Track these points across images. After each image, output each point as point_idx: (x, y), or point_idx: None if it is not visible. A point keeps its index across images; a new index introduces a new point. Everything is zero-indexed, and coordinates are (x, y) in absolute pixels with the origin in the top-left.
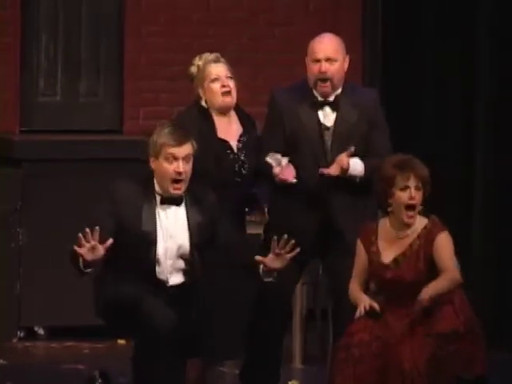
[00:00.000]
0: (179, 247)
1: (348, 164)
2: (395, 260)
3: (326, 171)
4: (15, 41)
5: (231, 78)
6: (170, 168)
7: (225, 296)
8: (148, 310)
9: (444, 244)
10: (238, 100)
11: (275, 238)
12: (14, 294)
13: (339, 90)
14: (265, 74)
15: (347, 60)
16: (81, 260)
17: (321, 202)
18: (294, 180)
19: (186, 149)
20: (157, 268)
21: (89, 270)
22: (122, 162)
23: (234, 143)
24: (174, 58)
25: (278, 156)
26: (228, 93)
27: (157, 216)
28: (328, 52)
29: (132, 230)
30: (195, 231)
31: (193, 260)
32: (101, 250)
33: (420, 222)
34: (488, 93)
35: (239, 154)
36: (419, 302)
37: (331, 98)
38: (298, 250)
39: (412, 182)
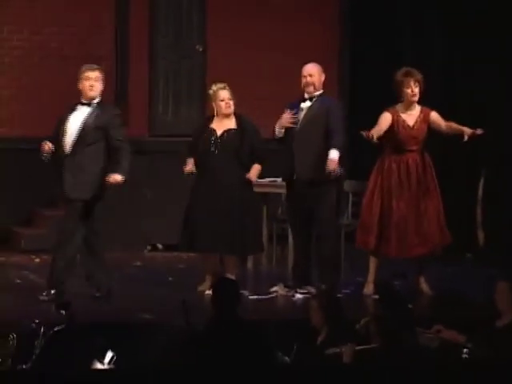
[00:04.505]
0: (74, 129)
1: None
2: (414, 125)
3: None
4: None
5: (231, 99)
6: (87, 83)
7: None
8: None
9: (438, 116)
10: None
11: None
12: (144, 226)
13: (318, 93)
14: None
15: (323, 76)
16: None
17: (289, 152)
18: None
19: (95, 73)
20: (62, 142)
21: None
22: None
23: (219, 131)
24: None
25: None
26: (229, 107)
27: (75, 112)
28: (308, 71)
29: (59, 129)
30: (88, 122)
31: (85, 137)
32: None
33: (417, 107)
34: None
35: (219, 138)
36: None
37: (310, 96)
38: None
39: (413, 83)
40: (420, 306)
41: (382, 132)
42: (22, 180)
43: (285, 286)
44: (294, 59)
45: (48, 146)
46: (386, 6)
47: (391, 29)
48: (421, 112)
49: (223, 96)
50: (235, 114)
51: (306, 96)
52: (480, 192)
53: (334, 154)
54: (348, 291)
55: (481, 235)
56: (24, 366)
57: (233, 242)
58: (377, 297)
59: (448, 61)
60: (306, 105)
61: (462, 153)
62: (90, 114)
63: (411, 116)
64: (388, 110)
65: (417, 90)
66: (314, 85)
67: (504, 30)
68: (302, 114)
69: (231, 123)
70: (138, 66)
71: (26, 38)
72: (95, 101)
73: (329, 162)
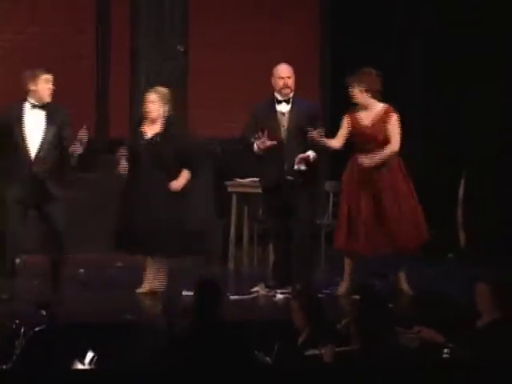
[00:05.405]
0: (38, 134)
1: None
2: (370, 124)
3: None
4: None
5: (152, 102)
6: (47, 86)
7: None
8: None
9: (396, 121)
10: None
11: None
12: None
13: (292, 94)
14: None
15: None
16: None
17: (278, 158)
18: (272, 143)
19: (52, 76)
20: (23, 146)
21: None
22: None
23: (149, 135)
24: None
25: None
26: (147, 112)
27: (29, 115)
28: (287, 72)
29: (14, 131)
30: (49, 126)
31: (50, 141)
32: None
33: (379, 106)
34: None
35: (147, 141)
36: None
37: (287, 98)
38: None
39: (350, 85)
40: (400, 306)
41: (340, 137)
42: None
43: (266, 286)
44: (277, 59)
45: None
46: (367, 4)
47: (374, 27)
48: (383, 111)
49: (145, 99)
50: (167, 118)
51: (281, 98)
52: (461, 192)
53: (308, 152)
54: (329, 291)
55: (462, 236)
56: (4, 367)
57: (157, 244)
58: (357, 297)
59: (431, 59)
60: (284, 108)
61: (444, 153)
62: (49, 118)
63: (368, 115)
64: (347, 113)
65: (352, 92)
66: (291, 87)
67: (500, 27)
68: (283, 119)
69: (158, 127)
70: (119, 65)
71: (7, 38)
72: (45, 103)
73: (300, 155)
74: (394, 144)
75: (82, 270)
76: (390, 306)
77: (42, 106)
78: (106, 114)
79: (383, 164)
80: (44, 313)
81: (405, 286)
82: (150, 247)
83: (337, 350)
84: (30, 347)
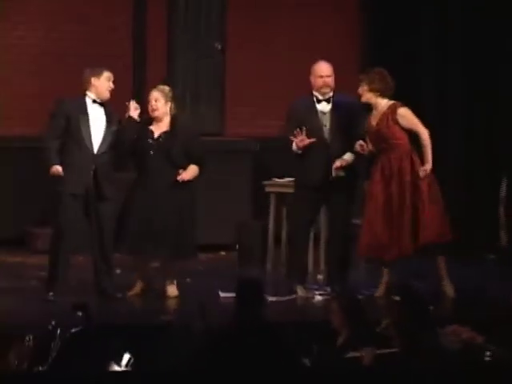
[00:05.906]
0: (99, 128)
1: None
2: (376, 123)
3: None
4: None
5: (157, 100)
6: (109, 84)
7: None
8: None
9: (405, 113)
10: None
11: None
12: None
13: (331, 93)
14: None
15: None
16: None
17: (323, 158)
18: (310, 140)
19: (112, 75)
20: (86, 140)
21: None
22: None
23: (156, 133)
24: None
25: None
26: (153, 110)
27: (91, 111)
28: (328, 71)
29: (74, 120)
30: (110, 123)
31: (110, 138)
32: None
33: (384, 103)
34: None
35: (155, 140)
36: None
37: (327, 97)
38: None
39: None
40: (441, 307)
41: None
42: (37, 179)
43: (305, 288)
44: (316, 57)
45: (58, 170)
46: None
47: (415, 27)
48: (388, 108)
49: (150, 97)
50: (173, 115)
51: (321, 97)
52: (503, 192)
53: (347, 156)
54: (368, 293)
55: (503, 236)
56: (41, 368)
57: (168, 245)
58: (397, 298)
59: (469, 53)
60: (325, 107)
61: (484, 152)
62: (109, 116)
63: (375, 114)
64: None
65: (359, 90)
66: (331, 86)
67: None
68: (325, 118)
69: (166, 125)
70: (156, 64)
71: (42, 35)
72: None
73: (338, 160)
74: (421, 131)
75: (118, 271)
76: (431, 307)
77: (101, 104)
78: (142, 113)
79: (400, 158)
80: (80, 314)
81: (448, 287)
82: (162, 248)
83: (377, 352)
84: (66, 349)
